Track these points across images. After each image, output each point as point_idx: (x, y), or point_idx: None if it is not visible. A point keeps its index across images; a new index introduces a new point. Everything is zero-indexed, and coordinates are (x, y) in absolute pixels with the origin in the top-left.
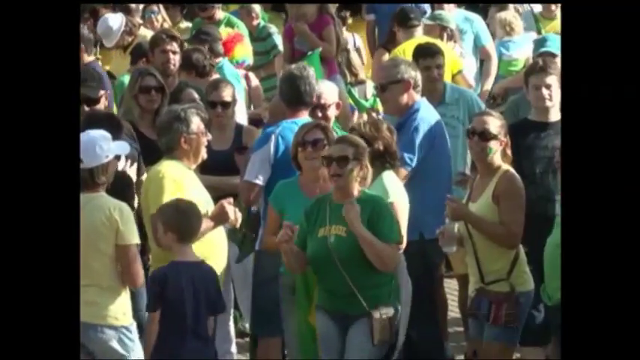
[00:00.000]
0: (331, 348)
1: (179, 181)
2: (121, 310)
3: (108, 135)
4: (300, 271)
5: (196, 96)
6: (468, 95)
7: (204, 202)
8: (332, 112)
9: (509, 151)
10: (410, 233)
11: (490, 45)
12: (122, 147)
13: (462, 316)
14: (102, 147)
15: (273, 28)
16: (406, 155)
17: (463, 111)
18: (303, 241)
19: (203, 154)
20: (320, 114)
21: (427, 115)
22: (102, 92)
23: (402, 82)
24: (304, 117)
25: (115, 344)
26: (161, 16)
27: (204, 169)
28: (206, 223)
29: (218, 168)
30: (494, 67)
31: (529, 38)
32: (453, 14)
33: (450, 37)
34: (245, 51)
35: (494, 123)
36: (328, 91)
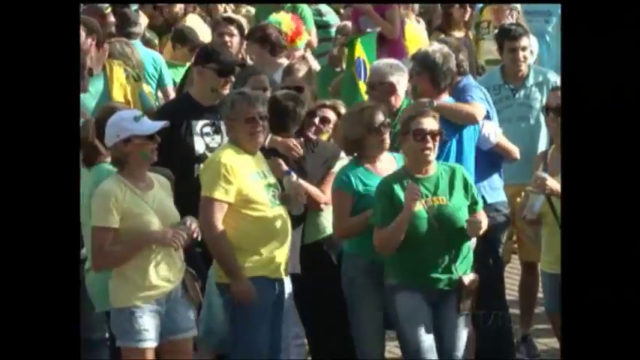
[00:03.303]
0: (421, 324)
1: (234, 166)
2: None
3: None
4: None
5: (267, 83)
6: (552, 78)
7: (264, 186)
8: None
9: None
10: None
11: None
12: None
13: (519, 300)
14: None
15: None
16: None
17: (547, 93)
18: (392, 219)
19: (260, 139)
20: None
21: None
22: None
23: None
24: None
25: None
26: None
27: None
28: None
29: None
30: None
31: None
32: None
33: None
34: (304, 37)
35: None
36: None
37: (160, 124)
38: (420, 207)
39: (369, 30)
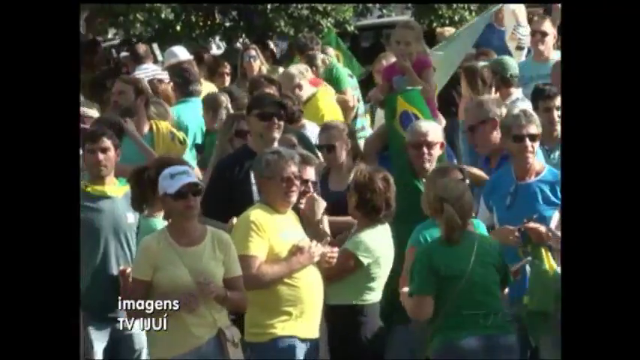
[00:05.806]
0: None
1: (264, 224)
2: None
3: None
4: None
5: (295, 141)
6: None
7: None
8: (436, 152)
9: None
10: None
11: None
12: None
13: None
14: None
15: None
16: None
17: None
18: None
19: (293, 199)
20: (426, 151)
21: None
22: None
23: (489, 121)
24: None
25: None
26: (259, 60)
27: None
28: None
29: (334, 208)
30: None
31: None
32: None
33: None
34: None
35: None
36: (434, 130)
37: (181, 183)
38: None
39: (408, 87)
